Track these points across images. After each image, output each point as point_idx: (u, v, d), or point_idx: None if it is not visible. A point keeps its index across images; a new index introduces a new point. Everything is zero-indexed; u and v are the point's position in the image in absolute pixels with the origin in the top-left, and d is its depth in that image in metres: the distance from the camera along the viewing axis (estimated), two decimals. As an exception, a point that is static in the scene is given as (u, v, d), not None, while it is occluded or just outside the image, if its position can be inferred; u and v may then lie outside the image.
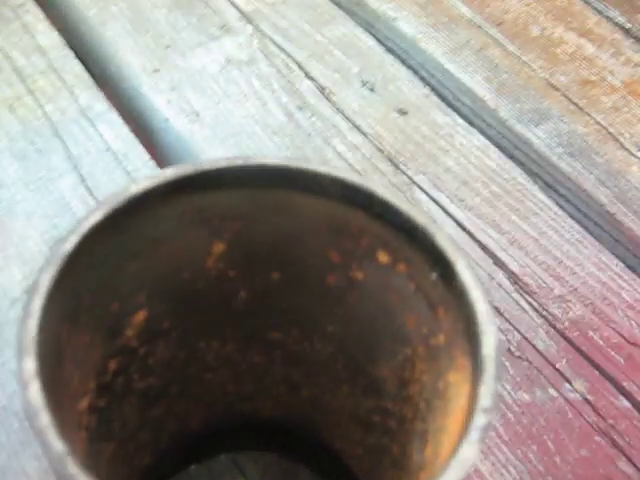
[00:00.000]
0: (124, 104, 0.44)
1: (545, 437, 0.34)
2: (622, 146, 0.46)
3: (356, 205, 0.19)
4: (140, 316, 0.21)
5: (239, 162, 0.19)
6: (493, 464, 0.32)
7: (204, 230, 0.20)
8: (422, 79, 0.49)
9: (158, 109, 0.44)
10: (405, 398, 0.22)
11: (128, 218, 0.18)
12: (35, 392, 0.15)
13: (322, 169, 0.19)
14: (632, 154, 0.46)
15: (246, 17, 0.50)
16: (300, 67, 0.47)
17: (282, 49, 0.48)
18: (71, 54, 0.45)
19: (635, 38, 0.53)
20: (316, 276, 0.22)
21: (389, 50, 0.50)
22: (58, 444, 0.14)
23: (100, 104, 0.43)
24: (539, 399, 0.35)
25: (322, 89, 0.46)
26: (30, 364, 0.15)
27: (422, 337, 0.20)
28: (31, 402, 0.15)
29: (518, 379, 0.35)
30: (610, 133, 0.47)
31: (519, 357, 0.36)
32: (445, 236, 0.18)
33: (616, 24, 0.54)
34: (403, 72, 0.48)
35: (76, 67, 0.45)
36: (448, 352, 0.18)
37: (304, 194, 0.20)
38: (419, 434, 0.20)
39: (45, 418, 0.14)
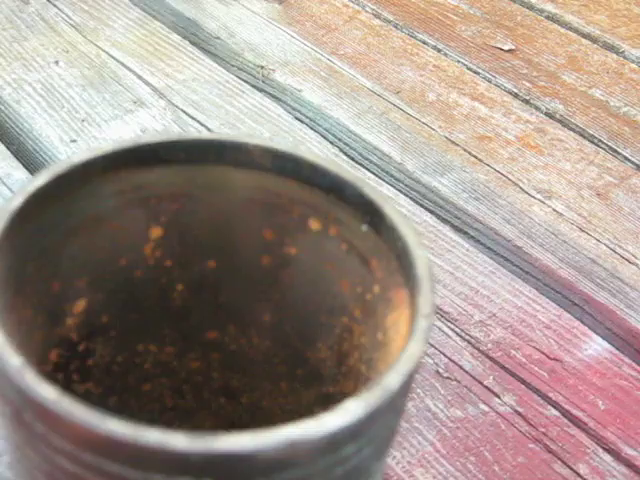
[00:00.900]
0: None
1: (482, 448, 0.34)
2: (522, 190, 0.50)
3: (287, 174, 0.20)
4: (80, 305, 0.21)
5: (174, 136, 0.20)
6: (434, 477, 0.33)
7: (142, 211, 0.21)
8: (331, 142, 0.51)
9: (77, 175, 0.44)
10: (345, 373, 0.23)
11: (69, 186, 0.19)
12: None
13: (253, 140, 0.20)
14: (532, 196, 0.49)
15: (158, 92, 0.52)
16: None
17: (195, 119, 0.50)
18: (-14, 130, 0.46)
19: (522, 100, 0.58)
20: (251, 259, 0.23)
21: (297, 118, 0.53)
22: (16, 359, 0.14)
23: (18, 172, 0.43)
24: (472, 414, 0.35)
25: (237, 152, 0.48)
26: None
27: (357, 298, 0.21)
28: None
29: (449, 398, 0.36)
30: (510, 180, 0.50)
31: (448, 377, 0.37)
32: (372, 187, 0.19)
33: (504, 89, 0.59)
34: (312, 135, 0.51)
35: (-8, 141, 0.45)
36: (384, 298, 0.19)
37: (237, 169, 0.21)
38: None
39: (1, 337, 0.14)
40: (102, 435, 0.13)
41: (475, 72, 0.61)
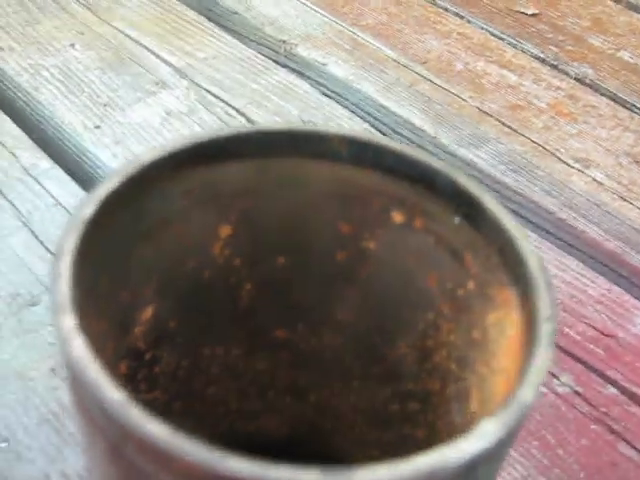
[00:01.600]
0: (69, 161, 0.43)
1: (544, 432, 0.33)
2: (560, 160, 0.48)
3: (367, 163, 0.19)
4: (148, 312, 0.20)
5: (244, 130, 0.19)
6: (499, 464, 0.32)
7: (211, 210, 0.20)
8: (360, 117, 0.50)
9: (105, 163, 0.43)
10: (429, 370, 0.21)
11: (140, 189, 0.17)
12: (80, 346, 0.13)
13: (330, 130, 0.19)
14: (570, 166, 0.48)
15: (179, 72, 0.50)
16: (240, 113, 0.47)
17: (220, 98, 0.48)
18: (7, 119, 0.44)
19: (551, 66, 0.56)
20: (324, 255, 0.21)
21: (324, 94, 0.51)
22: (116, 393, 0.13)
23: (43, 162, 0.42)
24: (531, 397, 0.34)
25: (266, 131, 0.46)
26: (69, 321, 0.14)
27: (447, 293, 0.19)
28: (77, 356, 0.13)
29: (507, 380, 0.35)
30: (546, 149, 0.49)
31: (503, 359, 0.36)
32: (466, 177, 0.18)
33: (531, 55, 0.57)
34: (341, 111, 0.49)
35: (14, 130, 0.43)
36: (482, 296, 0.18)
37: (312, 159, 0.19)
38: (455, 397, 0.20)
39: (95, 369, 0.13)
40: (224, 476, 0.12)
41: (500, 38, 0.59)
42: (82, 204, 0.16)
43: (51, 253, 0.37)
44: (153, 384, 0.22)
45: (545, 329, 0.15)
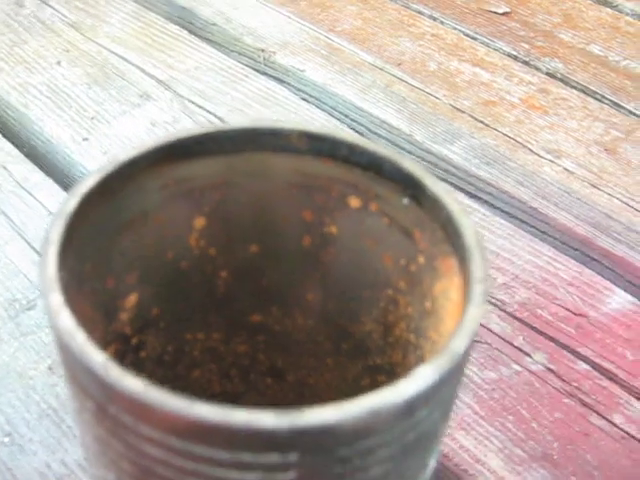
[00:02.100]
0: (59, 173, 0.45)
1: (518, 407, 0.35)
2: (531, 151, 0.50)
3: (324, 154, 0.21)
4: (132, 299, 0.22)
5: (211, 128, 0.20)
6: (475, 438, 0.34)
7: (185, 203, 0.22)
8: (338, 119, 0.52)
9: (93, 173, 0.45)
10: (392, 343, 0.23)
11: (118, 184, 0.19)
12: (66, 318, 0.15)
13: (289, 125, 0.21)
14: (541, 157, 0.50)
15: (163, 84, 0.52)
16: (222, 121, 0.49)
17: (202, 108, 0.50)
18: (-1, 135, 0.46)
19: (522, 62, 0.58)
20: (292, 240, 0.23)
21: (303, 98, 0.53)
22: (99, 355, 0.15)
23: (35, 175, 0.44)
24: (505, 375, 0.36)
25: (247, 137, 0.48)
26: (56, 297, 0.16)
27: (401, 270, 0.21)
28: (64, 327, 0.15)
29: (482, 360, 0.37)
30: (518, 142, 0.51)
31: (478, 341, 0.38)
32: (410, 161, 0.20)
33: (503, 53, 0.59)
34: (320, 114, 0.51)
35: (5, 145, 0.45)
36: (430, 268, 0.20)
37: (275, 153, 0.21)
38: (415, 364, 0.22)
39: (80, 336, 0.15)
40: (191, 420, 0.14)
41: (473, 38, 0.61)
42: (66, 199, 0.18)
43: (45, 260, 0.39)
44: (140, 369, 0.24)
45: (477, 289, 0.16)
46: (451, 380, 0.16)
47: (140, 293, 0.22)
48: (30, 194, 0.42)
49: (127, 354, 0.23)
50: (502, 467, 0.33)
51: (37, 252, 0.39)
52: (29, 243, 0.40)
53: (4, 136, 0.46)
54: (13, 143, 0.46)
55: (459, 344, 0.15)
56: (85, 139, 0.47)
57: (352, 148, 0.20)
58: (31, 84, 0.51)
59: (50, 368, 0.34)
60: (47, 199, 0.42)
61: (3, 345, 0.35)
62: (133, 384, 0.14)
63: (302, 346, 0.26)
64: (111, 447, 0.16)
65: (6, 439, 0.31)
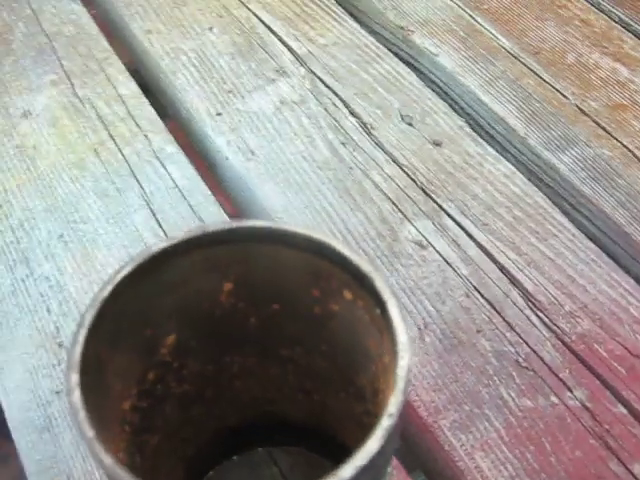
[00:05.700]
0: (191, 145, 0.51)
1: (543, 439, 0.38)
2: (645, 168, 0.49)
3: (324, 256, 0.25)
4: (171, 339, 0.28)
5: (234, 225, 0.25)
6: (492, 461, 0.37)
7: (214, 274, 0.27)
8: (459, 111, 0.53)
9: (220, 149, 0.50)
10: (378, 402, 0.27)
11: (150, 269, 0.24)
12: (77, 397, 0.21)
13: (298, 230, 0.25)
14: (655, 176, 0.49)
15: (300, 60, 0.56)
16: (345, 105, 0.53)
17: (330, 88, 0.54)
18: (146, 102, 0.53)
19: (670, 61, 0.56)
20: (305, 307, 0.28)
21: (429, 85, 0.55)
22: (90, 431, 0.20)
23: (170, 147, 0.50)
24: (541, 405, 0.39)
25: (364, 125, 0.52)
26: (74, 377, 0.21)
27: (378, 356, 0.25)
28: (73, 403, 0.21)
29: (523, 387, 0.40)
30: (636, 156, 0.50)
31: (525, 367, 0.40)
32: (383, 281, 0.23)
33: (652, 48, 0.57)
34: (441, 105, 0.53)
35: (150, 114, 0.52)
36: (392, 370, 0.24)
37: (286, 248, 0.25)
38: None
39: (83, 414, 0.21)
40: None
41: (625, 26, 0.59)
42: (102, 286, 0.23)
43: (164, 232, 0.45)
44: (182, 381, 0.30)
45: (384, 423, 0.20)
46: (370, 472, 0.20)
47: (178, 333, 0.28)
48: (162, 165, 0.49)
49: (168, 373, 0.29)
50: (506, 495, 0.36)
51: (158, 222, 0.46)
52: (153, 213, 0.46)
53: (151, 103, 0.53)
54: (157, 111, 0.52)
55: (373, 445, 0.19)
56: (219, 113, 0.52)
57: (342, 258, 0.24)
58: (182, 50, 0.56)
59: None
60: (175, 171, 0.48)
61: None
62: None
63: (322, 377, 0.31)
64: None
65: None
